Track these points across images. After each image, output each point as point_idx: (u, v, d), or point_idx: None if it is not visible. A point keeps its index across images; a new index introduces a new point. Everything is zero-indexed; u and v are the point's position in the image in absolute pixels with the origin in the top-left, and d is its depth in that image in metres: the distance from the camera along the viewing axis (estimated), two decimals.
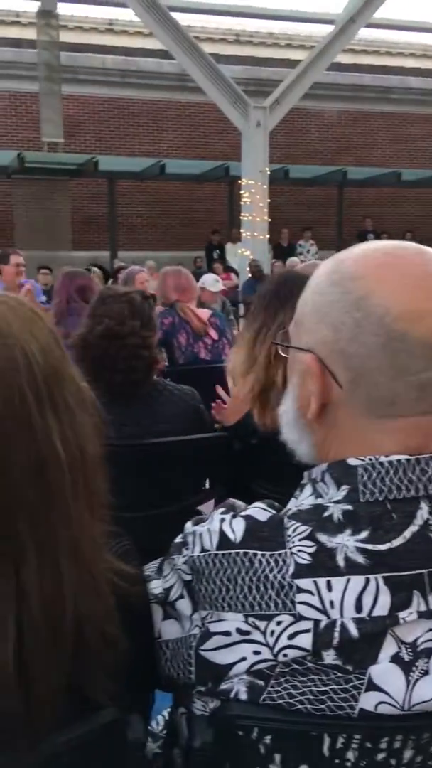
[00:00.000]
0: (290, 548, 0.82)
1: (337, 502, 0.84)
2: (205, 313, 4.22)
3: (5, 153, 14.86)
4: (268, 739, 0.82)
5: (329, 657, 0.79)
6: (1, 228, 15.47)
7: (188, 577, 0.87)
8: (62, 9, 15.03)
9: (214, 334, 4.12)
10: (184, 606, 0.87)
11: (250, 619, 0.82)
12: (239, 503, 0.96)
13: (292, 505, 0.90)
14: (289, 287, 2.11)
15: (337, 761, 0.81)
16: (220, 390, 2.48)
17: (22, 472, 0.72)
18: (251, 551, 0.83)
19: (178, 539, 0.94)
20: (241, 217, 12.96)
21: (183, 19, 12.04)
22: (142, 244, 16.36)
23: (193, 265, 14.31)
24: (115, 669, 0.78)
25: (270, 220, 12.88)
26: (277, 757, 0.82)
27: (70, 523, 0.76)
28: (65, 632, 0.74)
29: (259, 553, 0.83)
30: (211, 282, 6.39)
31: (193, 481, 2.40)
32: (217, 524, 0.87)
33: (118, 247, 15.68)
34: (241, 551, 0.84)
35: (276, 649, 0.81)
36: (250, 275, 11.92)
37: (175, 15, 11.56)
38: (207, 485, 2.50)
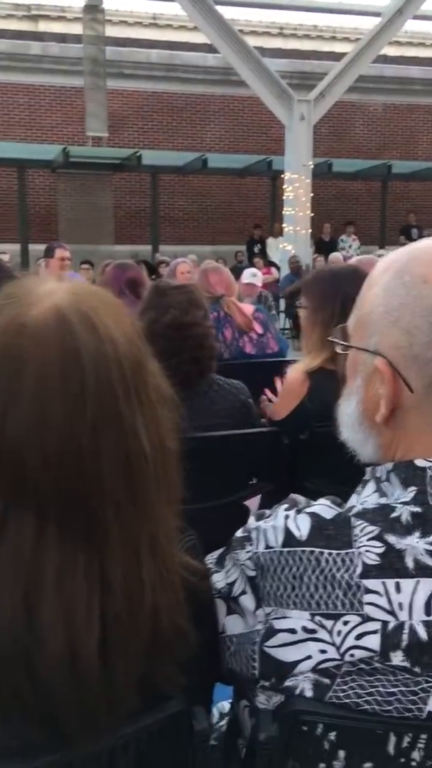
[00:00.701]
0: (358, 548, 0.82)
1: (405, 503, 0.83)
2: (249, 308, 4.22)
3: (50, 147, 15.02)
4: (332, 735, 0.82)
5: (397, 659, 0.79)
6: (45, 221, 15.66)
7: (252, 573, 0.87)
8: (107, 3, 15.11)
9: (258, 328, 4.12)
10: (248, 602, 0.88)
11: (317, 618, 0.82)
12: (301, 498, 0.96)
13: (355, 502, 0.90)
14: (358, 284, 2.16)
15: (402, 760, 0.81)
16: (268, 392, 2.49)
17: (111, 466, 0.73)
18: (318, 550, 0.84)
19: (240, 534, 0.94)
20: (284, 212, 12.89)
21: (227, 12, 11.99)
22: (183, 239, 16.40)
23: (234, 260, 14.29)
24: (184, 661, 0.79)
25: (312, 214, 12.80)
26: (342, 753, 0.82)
27: (151, 517, 0.77)
28: (143, 624, 0.76)
29: (326, 551, 0.83)
30: (247, 276, 6.39)
31: (240, 476, 2.40)
32: (281, 521, 0.88)
33: (159, 241, 15.75)
34: (308, 549, 0.84)
35: (343, 648, 0.81)
36: (290, 270, 11.87)
37: (219, 8, 11.53)
38: (254, 480, 2.51)
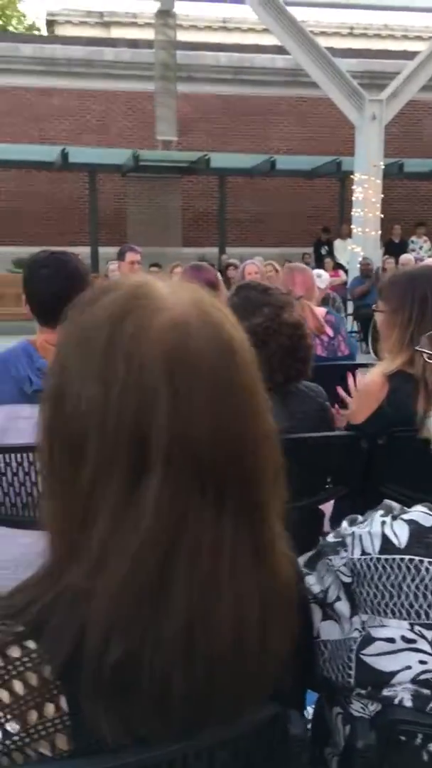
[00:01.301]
0: None
1: None
2: (321, 311, 4.21)
3: (121, 152, 15.27)
4: None
5: None
6: (114, 225, 15.92)
7: (347, 580, 0.86)
8: (178, 8, 15.26)
9: (329, 331, 4.10)
10: (343, 608, 0.86)
11: (416, 628, 0.80)
12: (395, 505, 0.94)
13: None
14: None
15: None
16: (341, 391, 2.46)
17: (264, 449, 0.75)
18: (417, 558, 0.82)
19: (332, 538, 0.93)
20: (352, 213, 12.75)
21: (296, 13, 11.95)
22: (250, 241, 16.41)
23: (301, 262, 14.21)
24: (290, 659, 0.80)
25: (382, 215, 12.61)
26: None
27: (284, 502, 0.79)
28: (286, 611, 0.78)
29: (426, 560, 0.82)
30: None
31: (316, 480, 2.38)
32: (378, 527, 0.86)
33: (226, 244, 15.79)
34: (407, 557, 0.82)
35: None
36: (360, 273, 11.72)
37: (289, 10, 11.50)
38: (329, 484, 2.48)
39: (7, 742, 0.65)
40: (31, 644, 0.67)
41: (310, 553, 0.97)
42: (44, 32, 25.85)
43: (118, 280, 0.79)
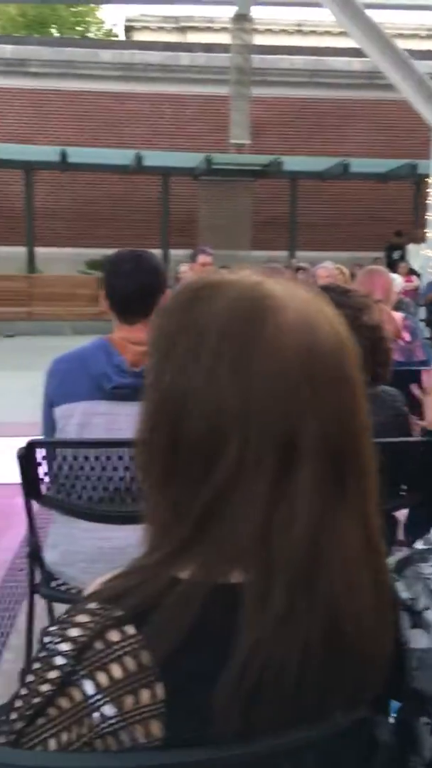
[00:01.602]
0: None
1: None
2: (398, 316, 4.16)
3: (193, 155, 15.38)
4: None
5: None
6: (186, 228, 16.05)
7: None
8: (253, 12, 15.30)
9: (407, 336, 4.04)
10: None
11: None
12: None
13: None
14: None
15: None
16: (415, 389, 2.42)
17: (368, 437, 0.76)
18: None
19: (421, 545, 0.91)
20: (427, 217, 12.50)
21: (373, 15, 11.80)
22: (320, 244, 16.28)
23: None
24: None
25: None
26: None
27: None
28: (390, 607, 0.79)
29: None
30: None
31: (391, 486, 2.34)
32: None
33: (296, 247, 15.71)
34: None
35: None
36: None
37: (366, 12, 11.36)
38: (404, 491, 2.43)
39: (103, 725, 0.66)
40: (130, 629, 0.67)
41: (396, 559, 0.95)
42: (123, 38, 26.34)
43: (219, 276, 0.78)
